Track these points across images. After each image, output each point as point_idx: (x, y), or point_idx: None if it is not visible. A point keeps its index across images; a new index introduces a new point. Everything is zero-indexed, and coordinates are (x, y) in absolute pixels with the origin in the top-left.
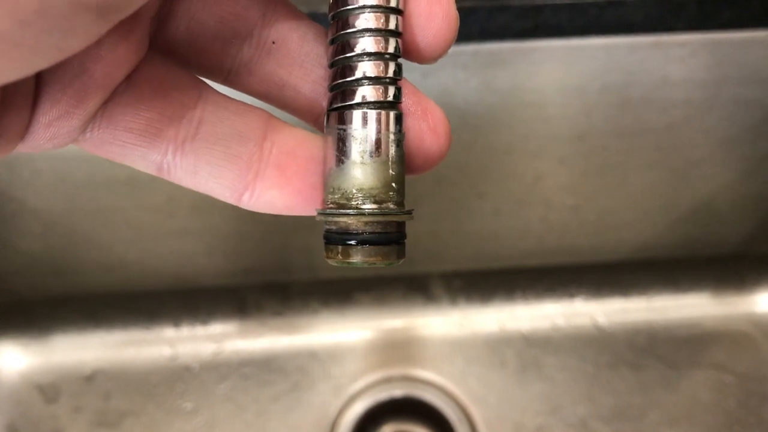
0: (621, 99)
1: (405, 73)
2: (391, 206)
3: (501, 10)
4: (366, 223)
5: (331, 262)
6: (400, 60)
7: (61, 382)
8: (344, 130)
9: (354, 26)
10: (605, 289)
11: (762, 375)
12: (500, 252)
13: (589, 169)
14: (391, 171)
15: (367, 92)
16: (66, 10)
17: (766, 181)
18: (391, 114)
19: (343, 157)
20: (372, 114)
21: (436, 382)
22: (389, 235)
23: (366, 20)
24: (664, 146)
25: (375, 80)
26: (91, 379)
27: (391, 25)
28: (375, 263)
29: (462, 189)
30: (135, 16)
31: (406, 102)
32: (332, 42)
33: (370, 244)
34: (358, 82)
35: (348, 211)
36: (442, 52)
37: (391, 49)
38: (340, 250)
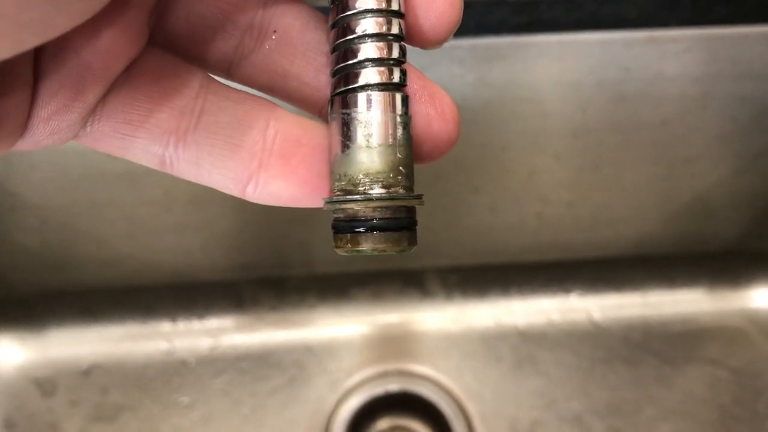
0: (616, 94)
1: None
2: (400, 191)
3: (497, 5)
4: (374, 208)
5: (340, 252)
6: (403, 43)
7: (57, 376)
8: (348, 114)
9: (354, 8)
10: (600, 284)
11: (756, 370)
12: (496, 247)
13: (585, 164)
14: (398, 154)
15: (370, 74)
16: None
17: (760, 177)
18: (397, 95)
19: (348, 142)
20: (376, 96)
21: (432, 376)
22: (399, 221)
23: (366, 1)
24: (659, 142)
25: (378, 62)
26: (88, 374)
27: (393, 6)
28: (386, 250)
29: (458, 184)
30: (133, 8)
31: (412, 86)
32: (333, 26)
33: (379, 231)
34: (361, 64)
35: (355, 197)
36: (447, 35)
37: (394, 30)
38: (348, 239)
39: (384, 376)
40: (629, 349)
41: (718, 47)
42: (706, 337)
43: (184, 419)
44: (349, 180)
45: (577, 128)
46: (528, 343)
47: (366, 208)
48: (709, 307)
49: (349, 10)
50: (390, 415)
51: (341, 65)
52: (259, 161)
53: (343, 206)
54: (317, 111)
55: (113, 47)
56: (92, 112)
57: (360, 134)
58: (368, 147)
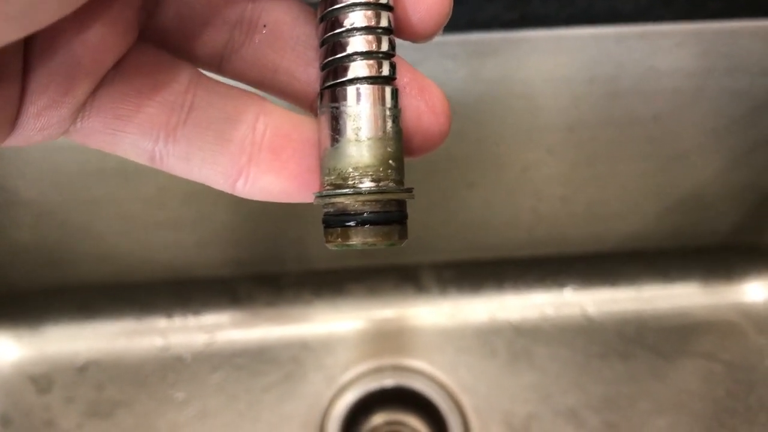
0: (609, 89)
1: None
2: (390, 184)
3: (490, 0)
4: (364, 202)
5: (330, 246)
6: (392, 36)
7: (53, 373)
8: (337, 108)
9: (343, 1)
10: (595, 279)
11: (750, 364)
12: (490, 242)
13: (578, 159)
14: (388, 148)
15: (359, 67)
16: None
17: (754, 171)
18: (386, 89)
19: (337, 136)
20: (365, 89)
21: (427, 371)
22: (389, 215)
23: None
24: (652, 136)
25: (367, 55)
26: (84, 370)
27: None
28: (376, 244)
29: (452, 179)
30: (122, 2)
31: (402, 80)
32: (322, 20)
33: (370, 224)
34: (350, 57)
35: (345, 190)
36: (436, 28)
37: (383, 24)
38: (339, 233)
39: (379, 371)
40: (623, 343)
41: (711, 42)
42: (700, 331)
43: (180, 415)
44: (339, 174)
45: (570, 123)
46: (522, 338)
47: (356, 201)
48: (703, 301)
49: (338, 3)
50: (385, 409)
51: (330, 59)
52: (249, 156)
53: (333, 200)
54: (308, 105)
55: (103, 42)
56: (82, 107)
57: (349, 128)
58: (357, 141)
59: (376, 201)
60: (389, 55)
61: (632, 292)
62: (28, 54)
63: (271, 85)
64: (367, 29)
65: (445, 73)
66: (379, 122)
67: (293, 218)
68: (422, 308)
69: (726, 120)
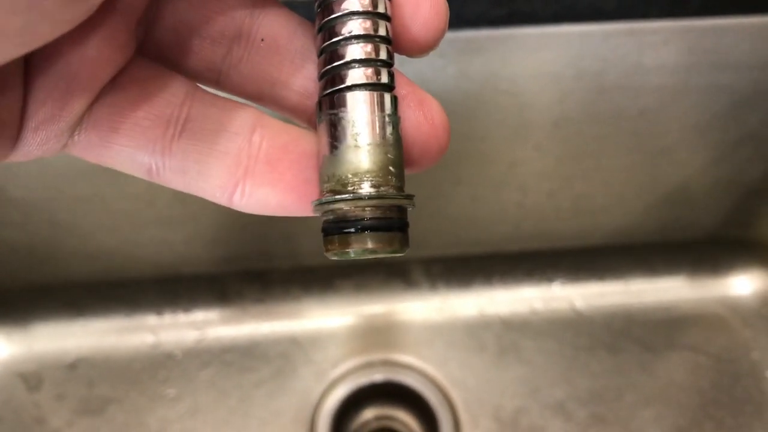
0: (595, 85)
1: None
2: (391, 190)
3: None
4: (364, 208)
5: (330, 255)
6: (390, 47)
7: (43, 371)
8: (336, 114)
9: (340, 11)
10: (582, 273)
11: (735, 356)
12: (478, 237)
13: (565, 155)
14: (388, 154)
15: (358, 74)
16: None
17: (739, 166)
18: (385, 95)
19: (336, 143)
20: (364, 95)
21: (417, 366)
22: (390, 221)
23: (352, 3)
24: (638, 132)
25: (365, 62)
26: (74, 367)
27: (380, 8)
28: (377, 251)
29: (439, 175)
30: (120, 17)
31: (400, 92)
32: (319, 30)
33: (370, 231)
34: (348, 65)
35: (344, 196)
36: (433, 43)
37: (381, 32)
38: (338, 240)
39: (369, 366)
40: (611, 336)
41: (695, 39)
42: (686, 324)
43: (171, 411)
44: (338, 180)
45: (556, 119)
46: (511, 332)
47: (356, 207)
48: (689, 295)
49: (335, 13)
50: (375, 404)
51: (328, 67)
52: (245, 168)
53: (332, 206)
54: (306, 119)
55: (100, 57)
56: (79, 121)
57: (348, 134)
58: (356, 146)
59: (377, 206)
60: (388, 63)
61: (620, 285)
62: (27, 69)
63: (268, 99)
64: (364, 37)
65: (433, 70)
66: (379, 128)
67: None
68: (411, 303)
69: (710, 115)
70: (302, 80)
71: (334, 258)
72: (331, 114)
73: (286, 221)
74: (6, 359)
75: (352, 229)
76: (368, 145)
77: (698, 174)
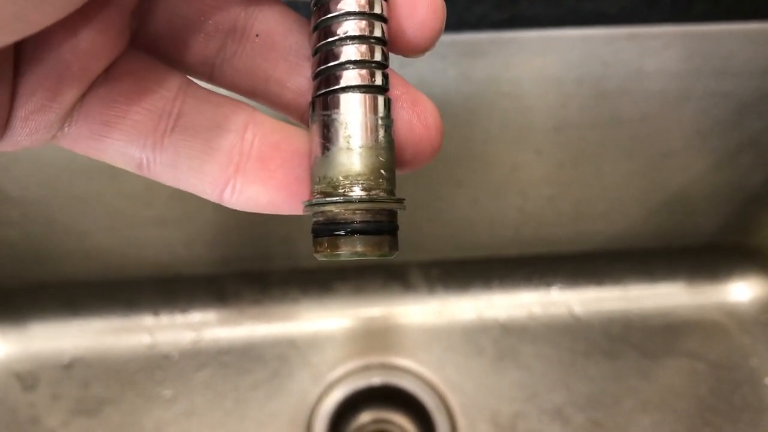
0: (597, 90)
1: None
2: (381, 194)
3: (478, 1)
4: (354, 211)
5: (319, 257)
6: (386, 48)
7: (39, 370)
8: (329, 116)
9: (336, 10)
10: (581, 278)
11: (733, 363)
12: (478, 241)
13: (565, 159)
14: (380, 158)
15: (352, 76)
16: None
17: (738, 172)
18: (379, 98)
19: (328, 144)
20: (358, 97)
21: (414, 369)
22: (380, 224)
23: (349, 4)
24: (639, 137)
25: (360, 63)
26: (70, 367)
27: (376, 9)
28: (366, 254)
29: (440, 178)
30: (114, 9)
31: (394, 93)
32: (315, 29)
33: (360, 234)
34: (343, 66)
35: (334, 198)
36: (430, 43)
37: (376, 33)
38: (327, 242)
39: (367, 369)
40: (609, 342)
41: (697, 44)
42: (685, 330)
43: (167, 413)
44: (329, 182)
45: (558, 123)
46: (509, 337)
47: (346, 210)
48: (688, 301)
49: (331, 12)
50: (373, 407)
51: (322, 67)
52: (237, 165)
53: (323, 209)
54: (299, 116)
55: (93, 48)
56: (70, 113)
57: (341, 136)
58: (348, 149)
59: (367, 210)
60: (382, 65)
61: (618, 291)
62: (18, 57)
63: (262, 95)
64: (360, 38)
65: (434, 72)
66: (371, 131)
67: (280, 216)
68: (410, 307)
69: (711, 121)
70: (296, 78)
71: (323, 259)
72: (324, 115)
73: (285, 223)
74: (1, 358)
75: (342, 232)
76: (360, 148)
77: (698, 180)
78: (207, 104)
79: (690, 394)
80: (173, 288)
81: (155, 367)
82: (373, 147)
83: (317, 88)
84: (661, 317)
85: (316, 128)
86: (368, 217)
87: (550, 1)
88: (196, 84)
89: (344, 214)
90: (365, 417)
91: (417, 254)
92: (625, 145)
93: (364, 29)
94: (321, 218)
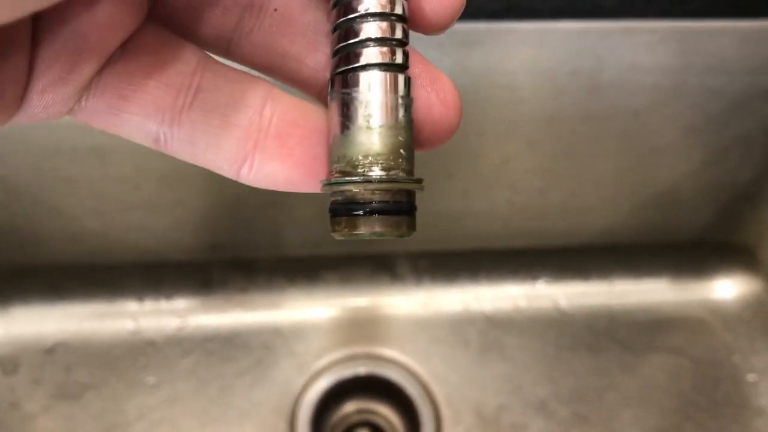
0: (591, 83)
1: None
2: (401, 174)
3: None
4: (374, 191)
5: (336, 236)
6: (406, 25)
7: (20, 354)
8: (348, 94)
9: None
10: (567, 272)
11: (716, 359)
12: (466, 233)
13: (557, 152)
14: (399, 137)
15: (372, 54)
16: None
17: (727, 169)
18: (399, 77)
19: (348, 123)
20: (378, 76)
21: (400, 360)
22: (399, 204)
23: None
24: (630, 132)
25: (381, 41)
26: (52, 352)
27: None
28: (384, 234)
29: (431, 169)
30: None
31: (413, 71)
32: (335, 5)
33: (378, 214)
34: (363, 43)
35: (354, 178)
36: (450, 20)
37: (397, 10)
38: (346, 222)
39: (352, 359)
40: (594, 336)
41: (692, 40)
42: (669, 326)
43: (150, 399)
44: (348, 161)
45: (550, 116)
46: (495, 329)
47: (365, 190)
48: (672, 297)
49: None
50: (357, 397)
51: (342, 44)
52: (255, 142)
53: (341, 188)
54: (316, 93)
55: (111, 20)
56: (87, 86)
57: (360, 115)
58: (368, 128)
59: (386, 190)
60: (403, 42)
61: (604, 286)
62: (36, 30)
63: (279, 71)
64: (381, 15)
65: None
66: (391, 110)
67: (269, 204)
68: (396, 297)
69: (703, 118)
70: (314, 54)
71: (340, 238)
72: (343, 93)
73: (273, 211)
74: None
75: (361, 212)
76: (380, 127)
77: (687, 176)
78: (225, 80)
79: (673, 389)
80: (159, 274)
81: (139, 353)
82: (393, 126)
83: (337, 65)
84: (645, 313)
85: (335, 106)
86: (387, 197)
87: None
88: (213, 59)
89: (363, 194)
90: (350, 407)
91: (405, 245)
92: (617, 140)
93: (385, 6)
94: (339, 197)
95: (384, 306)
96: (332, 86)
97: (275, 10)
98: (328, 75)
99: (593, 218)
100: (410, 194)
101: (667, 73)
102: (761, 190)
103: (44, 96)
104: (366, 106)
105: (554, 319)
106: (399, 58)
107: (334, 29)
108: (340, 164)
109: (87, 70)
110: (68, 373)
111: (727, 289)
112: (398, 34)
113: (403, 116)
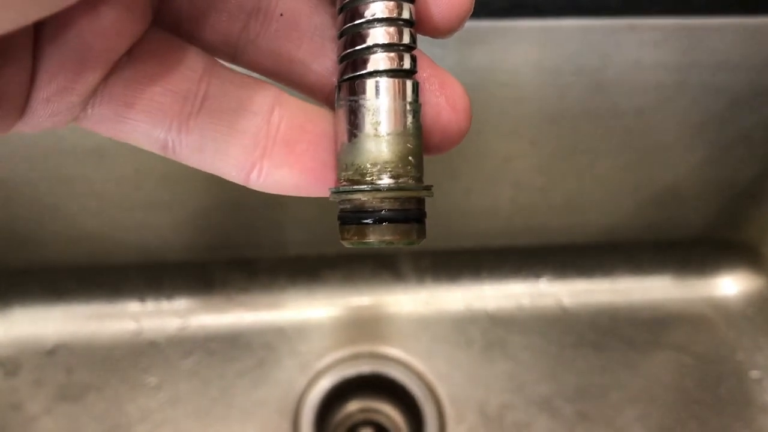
0: (594, 81)
1: None
2: (410, 181)
3: None
4: (382, 199)
5: (346, 244)
6: (414, 29)
7: (21, 356)
8: (356, 101)
9: None
10: (570, 270)
11: (719, 356)
12: (469, 231)
13: (560, 150)
14: (408, 144)
15: (379, 60)
16: None
17: (731, 167)
18: (407, 82)
19: (355, 131)
20: (385, 82)
21: (403, 359)
22: (408, 212)
23: None
24: (633, 129)
25: (388, 47)
26: (53, 353)
27: None
28: (393, 242)
29: (434, 167)
30: None
31: (422, 74)
32: (341, 10)
33: (388, 222)
34: (370, 49)
35: (362, 187)
36: (458, 24)
37: (404, 15)
38: (355, 230)
39: (355, 358)
40: (597, 334)
41: (696, 38)
42: (672, 323)
43: (152, 400)
44: (357, 170)
45: (554, 114)
46: (498, 327)
47: (374, 198)
48: (675, 294)
49: None
50: (360, 397)
51: (349, 50)
52: (263, 148)
53: (350, 197)
54: (323, 98)
55: (115, 27)
56: (93, 94)
57: (368, 122)
58: (376, 135)
59: (395, 198)
60: (410, 48)
61: (607, 283)
62: (39, 38)
63: (286, 76)
64: (388, 21)
65: (433, 60)
66: (399, 117)
67: (269, 204)
68: (399, 296)
69: (705, 115)
70: (321, 59)
71: (350, 246)
72: (351, 100)
73: (274, 210)
74: None
75: (370, 220)
76: (388, 134)
77: (690, 174)
78: (232, 85)
79: (676, 386)
80: (160, 274)
81: (140, 354)
82: (401, 133)
83: (343, 71)
84: (648, 310)
85: (342, 113)
86: (396, 205)
87: None
88: (220, 65)
89: (372, 203)
90: (353, 406)
91: None
92: (620, 138)
93: (393, 11)
94: (348, 206)
95: (386, 305)
96: (339, 93)
97: (281, 15)
98: (334, 80)
99: (596, 216)
100: (419, 202)
101: (671, 71)
102: (764, 187)
103: (49, 105)
104: (374, 114)
105: (557, 317)
106: (407, 64)
107: (341, 35)
108: (348, 172)
109: (92, 78)
110: (69, 375)
111: (730, 286)
112: (406, 39)
113: (412, 123)
